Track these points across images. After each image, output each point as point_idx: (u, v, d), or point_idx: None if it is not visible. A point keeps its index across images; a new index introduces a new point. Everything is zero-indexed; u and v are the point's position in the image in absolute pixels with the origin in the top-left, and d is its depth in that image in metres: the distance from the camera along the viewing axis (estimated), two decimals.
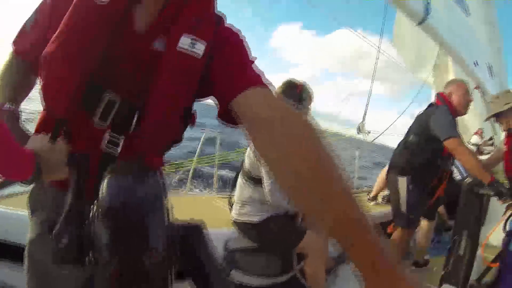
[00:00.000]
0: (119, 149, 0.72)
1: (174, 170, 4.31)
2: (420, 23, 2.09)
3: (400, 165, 2.89)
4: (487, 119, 2.88)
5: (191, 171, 3.80)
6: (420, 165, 2.74)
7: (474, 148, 5.80)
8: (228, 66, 0.73)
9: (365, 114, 3.50)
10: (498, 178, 2.60)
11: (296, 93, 2.05)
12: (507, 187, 2.58)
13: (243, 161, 2.21)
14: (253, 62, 0.76)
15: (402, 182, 2.81)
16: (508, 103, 2.63)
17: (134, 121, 0.72)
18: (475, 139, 5.88)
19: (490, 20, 4.51)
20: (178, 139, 0.82)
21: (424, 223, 3.08)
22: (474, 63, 3.85)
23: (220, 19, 0.77)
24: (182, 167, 4.23)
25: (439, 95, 2.80)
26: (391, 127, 4.20)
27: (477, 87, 3.22)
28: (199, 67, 0.71)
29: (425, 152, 2.72)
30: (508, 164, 2.81)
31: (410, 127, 2.94)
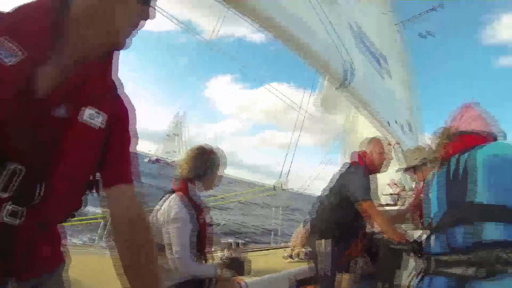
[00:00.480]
0: (19, 221, 0.68)
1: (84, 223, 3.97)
2: (340, 86, 2.18)
3: (321, 228, 2.91)
4: (401, 170, 3.09)
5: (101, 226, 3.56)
6: (341, 227, 2.78)
7: (389, 198, 6.21)
8: (114, 152, 0.79)
9: (283, 165, 3.57)
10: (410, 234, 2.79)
11: (206, 158, 2.14)
12: (418, 242, 2.75)
13: None
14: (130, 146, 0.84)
15: (324, 244, 2.87)
16: (421, 158, 2.86)
17: (37, 192, 0.69)
18: (389, 190, 6.31)
19: (408, 81, 5.01)
20: (80, 206, 0.82)
21: (344, 276, 3.11)
22: (395, 122, 4.17)
23: (118, 87, 0.82)
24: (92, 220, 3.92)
25: (355, 154, 2.94)
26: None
27: (397, 143, 3.46)
28: (101, 139, 0.74)
29: (344, 214, 2.77)
30: (414, 215, 3.01)
31: (328, 188, 3.06)
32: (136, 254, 0.79)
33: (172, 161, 74.71)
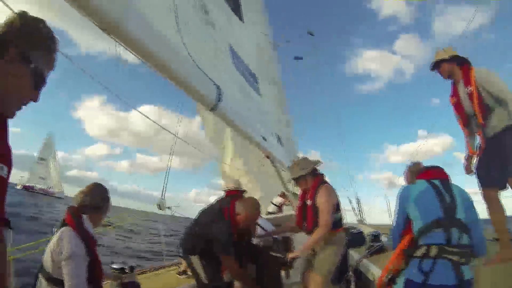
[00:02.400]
0: None
1: None
2: (212, 109, 2.34)
3: (188, 246, 3.25)
4: (289, 180, 3.46)
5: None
6: (206, 243, 3.08)
7: (275, 208, 6.76)
8: None
9: (164, 190, 3.64)
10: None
11: (102, 193, 2.34)
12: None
13: (42, 263, 2.08)
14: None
15: (193, 261, 3.15)
16: (303, 169, 3.26)
17: None
18: (277, 200, 6.87)
19: (279, 98, 5.53)
20: None
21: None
22: (274, 135, 4.58)
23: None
24: None
25: (228, 205, 3.25)
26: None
27: (267, 157, 3.82)
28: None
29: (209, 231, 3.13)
30: (299, 219, 3.40)
31: (197, 219, 3.36)
32: None
33: (44, 188, 65.68)
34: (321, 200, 3.03)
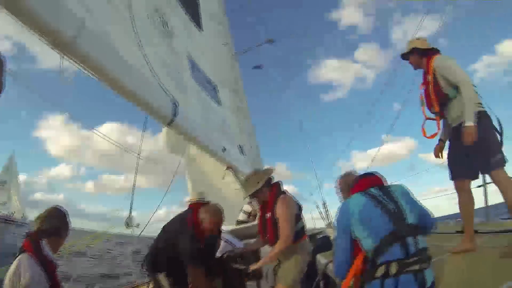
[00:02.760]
0: None
1: None
2: (168, 124, 2.30)
3: (153, 264, 3.21)
4: (245, 198, 3.43)
5: None
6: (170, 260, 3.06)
7: (245, 216, 6.75)
8: None
9: (131, 208, 3.55)
10: None
11: (62, 218, 2.28)
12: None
13: None
14: None
15: (162, 278, 3.12)
16: (258, 182, 3.20)
17: None
18: (247, 207, 6.87)
19: (240, 108, 5.54)
20: None
21: None
22: (237, 146, 4.57)
23: None
24: None
25: (191, 213, 3.21)
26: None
27: (228, 168, 3.80)
28: None
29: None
30: (261, 232, 3.38)
31: (160, 234, 3.31)
32: None
33: (5, 214, 60.67)
34: (280, 212, 2.98)
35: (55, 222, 2.22)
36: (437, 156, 3.27)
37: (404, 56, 3.46)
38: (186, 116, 2.54)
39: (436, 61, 3.12)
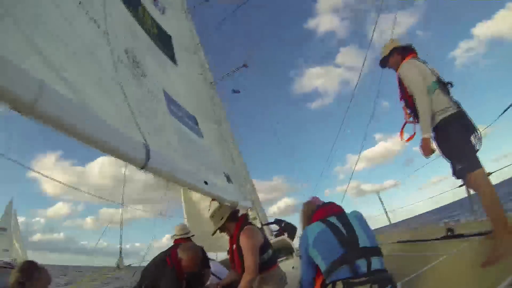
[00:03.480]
0: None
1: None
2: (142, 167, 2.31)
3: None
4: (213, 233, 3.47)
5: None
6: None
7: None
8: None
9: (120, 252, 3.54)
10: None
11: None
12: None
13: None
14: None
15: None
16: (222, 218, 3.28)
17: None
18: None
19: (224, 135, 5.56)
20: None
21: None
22: (223, 174, 4.56)
23: None
24: None
25: (169, 249, 3.43)
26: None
27: (213, 199, 3.80)
28: None
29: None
30: (231, 264, 3.40)
31: (142, 274, 3.43)
32: None
33: (9, 262, 60.11)
34: (243, 244, 3.03)
35: (17, 277, 2.33)
36: (429, 153, 3.00)
37: (383, 62, 3.56)
38: (161, 158, 2.54)
39: (400, 70, 3.26)
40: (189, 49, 6.39)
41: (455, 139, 2.78)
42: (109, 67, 2.79)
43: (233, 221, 3.30)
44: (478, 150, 2.74)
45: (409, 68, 3.16)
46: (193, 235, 4.13)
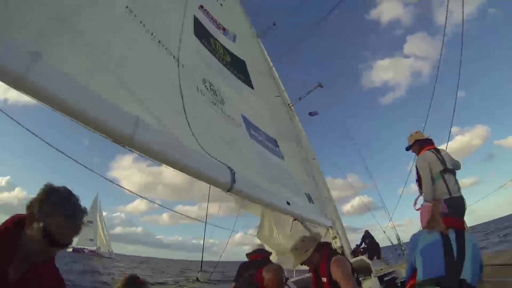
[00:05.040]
0: None
1: None
2: (228, 191, 2.36)
3: None
4: (295, 266, 3.42)
5: None
6: None
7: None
8: None
9: (201, 265, 3.65)
10: None
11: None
12: None
13: None
14: None
15: None
16: (307, 250, 3.18)
17: None
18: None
19: (303, 156, 5.50)
20: None
21: None
22: (305, 194, 4.50)
23: None
24: None
25: (257, 272, 3.47)
26: None
27: (295, 219, 3.74)
28: None
29: None
30: None
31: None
32: None
33: (93, 250, 68.83)
34: (339, 273, 2.92)
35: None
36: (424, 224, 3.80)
37: (408, 148, 5.02)
38: (245, 180, 2.56)
39: (417, 161, 4.75)
40: (263, 72, 6.54)
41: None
42: (190, 96, 2.94)
43: (318, 252, 3.20)
44: None
45: (421, 161, 4.60)
46: (270, 253, 4.11)
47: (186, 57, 3.29)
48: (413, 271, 2.24)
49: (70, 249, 65.15)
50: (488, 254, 5.43)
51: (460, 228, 2.20)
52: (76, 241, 69.94)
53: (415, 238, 2.28)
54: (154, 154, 1.93)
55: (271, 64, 7.06)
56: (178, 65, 3.04)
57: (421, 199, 4.62)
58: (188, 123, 2.56)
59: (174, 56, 3.06)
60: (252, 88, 5.32)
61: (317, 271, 3.20)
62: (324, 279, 3.02)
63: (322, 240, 3.48)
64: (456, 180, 4.36)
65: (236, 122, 3.75)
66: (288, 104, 6.54)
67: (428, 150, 4.64)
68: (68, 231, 1.45)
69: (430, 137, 4.81)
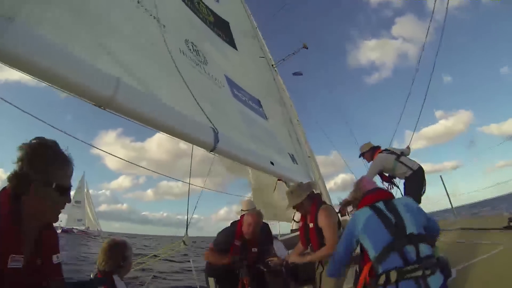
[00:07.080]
0: None
1: None
2: (211, 151, 2.42)
3: (207, 268, 4.00)
4: (287, 208, 3.54)
5: None
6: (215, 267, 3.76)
7: (298, 225, 6.83)
8: None
9: (186, 229, 3.85)
10: None
11: (120, 251, 2.38)
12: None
13: None
14: None
15: (211, 282, 3.90)
16: (299, 196, 3.30)
17: None
18: (298, 216, 6.92)
19: (286, 117, 5.55)
20: None
21: None
22: (288, 155, 4.60)
23: None
24: None
25: (236, 224, 3.87)
26: None
27: (279, 179, 3.85)
28: None
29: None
30: (303, 242, 3.44)
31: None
32: None
33: (83, 230, 69.00)
34: (324, 221, 3.12)
35: (116, 257, 2.36)
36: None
37: (361, 155, 5.83)
38: (229, 140, 2.63)
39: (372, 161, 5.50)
40: (247, 33, 6.42)
41: (412, 189, 4.90)
42: (171, 58, 2.91)
43: (310, 200, 3.35)
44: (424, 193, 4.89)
45: (377, 160, 5.38)
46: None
47: (167, 17, 3.22)
48: (347, 254, 2.36)
49: (59, 230, 65.07)
50: (466, 219, 6.16)
51: (385, 197, 2.34)
52: (65, 222, 69.63)
53: (352, 221, 2.34)
54: (136, 116, 1.96)
55: (256, 24, 6.91)
56: (159, 26, 2.98)
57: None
58: (170, 84, 2.56)
59: (154, 17, 2.99)
60: (236, 49, 5.25)
61: (306, 217, 3.41)
62: (311, 225, 3.21)
63: None
64: (410, 159, 5.20)
65: (220, 82, 3.75)
66: (272, 65, 6.48)
67: (379, 153, 5.50)
68: (70, 175, 1.51)
69: (378, 145, 5.76)
